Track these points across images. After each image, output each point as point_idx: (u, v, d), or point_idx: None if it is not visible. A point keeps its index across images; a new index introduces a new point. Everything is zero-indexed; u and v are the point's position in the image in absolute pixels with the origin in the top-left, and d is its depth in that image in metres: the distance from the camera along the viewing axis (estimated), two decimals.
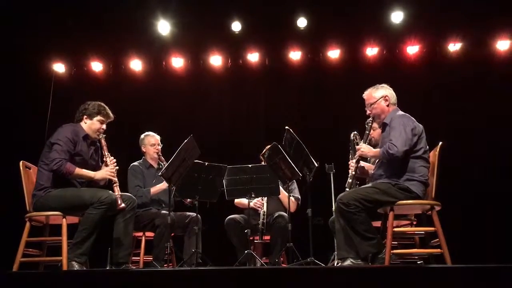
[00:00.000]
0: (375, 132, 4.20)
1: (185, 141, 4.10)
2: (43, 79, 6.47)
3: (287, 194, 4.63)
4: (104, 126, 4.03)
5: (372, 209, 3.56)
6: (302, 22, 6.22)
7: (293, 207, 4.86)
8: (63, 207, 3.68)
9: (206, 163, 4.45)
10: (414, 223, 4.08)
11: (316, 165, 4.21)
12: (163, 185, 4.63)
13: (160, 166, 4.76)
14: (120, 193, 3.79)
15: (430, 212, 3.59)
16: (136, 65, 6.64)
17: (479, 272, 2.59)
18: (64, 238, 3.66)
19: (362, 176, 4.10)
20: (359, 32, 6.30)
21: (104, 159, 3.98)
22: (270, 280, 2.64)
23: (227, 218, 4.87)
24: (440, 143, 3.70)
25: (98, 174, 3.87)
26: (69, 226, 3.77)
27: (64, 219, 3.69)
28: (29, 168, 3.94)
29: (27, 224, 3.76)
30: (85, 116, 4.01)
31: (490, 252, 5.60)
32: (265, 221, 4.76)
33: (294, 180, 4.68)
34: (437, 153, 3.66)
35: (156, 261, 4.39)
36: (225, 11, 6.25)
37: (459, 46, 6.16)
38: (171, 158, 4.10)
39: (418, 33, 6.19)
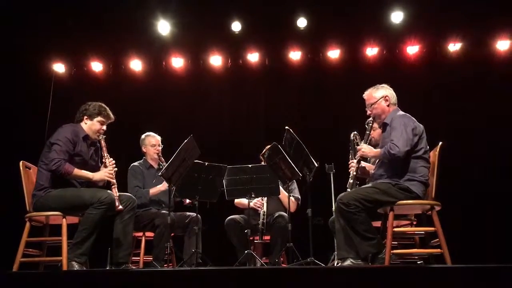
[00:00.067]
0: (375, 132, 4.20)
1: (185, 141, 4.10)
2: (43, 79, 6.47)
3: (287, 194, 4.63)
4: (104, 127, 4.03)
5: (372, 209, 3.56)
6: (302, 22, 6.22)
7: (293, 207, 4.86)
8: (63, 207, 3.68)
9: (206, 163, 4.45)
10: (414, 223, 4.08)
11: (316, 165, 4.20)
12: (163, 186, 4.63)
13: (161, 167, 4.76)
14: (117, 195, 3.78)
15: (430, 212, 3.59)
16: (136, 65, 6.64)
17: (479, 272, 2.59)
18: (64, 238, 3.66)
19: (363, 176, 4.09)
20: (359, 32, 6.30)
21: (103, 160, 3.98)
22: (270, 280, 2.64)
23: (227, 219, 4.87)
24: (440, 143, 3.70)
25: (96, 175, 3.87)
26: (69, 226, 3.77)
27: (64, 219, 3.69)
28: (29, 168, 3.94)
29: (27, 224, 3.76)
30: (85, 117, 4.00)
31: (490, 252, 5.59)
32: (265, 221, 4.75)
33: (294, 180, 4.68)
34: (437, 153, 3.66)
35: (156, 261, 4.39)
36: (225, 11, 6.25)
37: (459, 46, 6.16)
38: (171, 158, 4.10)
39: (418, 33, 6.19)
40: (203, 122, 6.47)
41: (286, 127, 4.30)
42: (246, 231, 4.55)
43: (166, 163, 4.26)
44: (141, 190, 4.68)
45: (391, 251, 3.46)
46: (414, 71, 6.24)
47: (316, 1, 6.20)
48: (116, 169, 3.94)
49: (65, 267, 3.54)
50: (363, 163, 4.00)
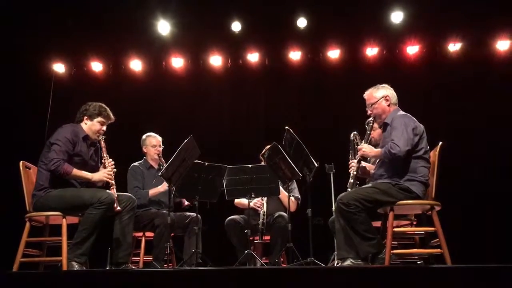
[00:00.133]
0: (375, 132, 4.20)
1: (185, 141, 4.10)
2: (43, 79, 6.47)
3: (287, 194, 4.63)
4: (104, 128, 4.02)
5: (372, 209, 3.56)
6: (302, 22, 6.22)
7: (293, 207, 4.86)
8: (63, 207, 3.68)
9: (206, 163, 4.45)
10: (414, 223, 4.08)
11: (316, 165, 4.20)
12: (162, 187, 4.63)
13: (161, 167, 4.76)
14: (116, 195, 3.77)
15: (430, 212, 3.59)
16: (136, 65, 6.64)
17: (479, 272, 2.59)
18: (64, 238, 3.66)
19: (363, 176, 4.09)
20: (359, 32, 6.29)
21: (103, 160, 3.97)
22: (270, 280, 2.64)
23: (227, 219, 4.87)
24: (440, 143, 3.70)
25: (95, 176, 3.86)
26: (69, 226, 3.77)
27: (64, 219, 3.69)
28: (29, 168, 3.94)
29: (27, 224, 3.76)
30: (85, 117, 4.00)
31: (490, 252, 5.59)
32: (265, 221, 4.75)
33: (294, 180, 4.68)
34: (437, 153, 3.66)
35: (156, 261, 4.39)
36: (225, 11, 6.24)
37: (459, 46, 6.15)
38: (171, 158, 4.10)
39: (418, 33, 6.19)
40: (203, 122, 6.46)
41: (286, 127, 4.30)
42: (246, 231, 4.55)
43: (166, 163, 4.26)
44: (140, 191, 4.68)
45: (391, 251, 3.46)
46: (414, 71, 6.24)
47: (316, 1, 6.20)
48: (115, 169, 3.94)
49: (65, 267, 3.54)
50: (363, 163, 4.00)
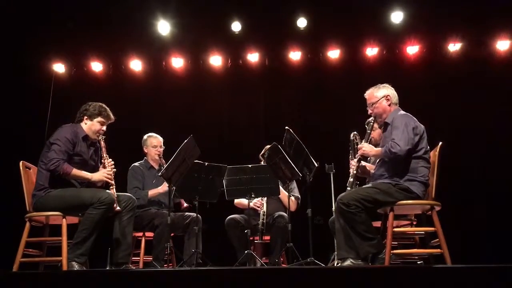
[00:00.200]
0: (375, 132, 4.19)
1: (185, 141, 4.10)
2: (43, 79, 6.47)
3: (287, 193, 4.63)
4: (104, 128, 4.02)
5: (372, 209, 3.56)
6: (302, 22, 6.22)
7: (293, 206, 4.86)
8: (63, 207, 3.68)
9: (206, 163, 4.45)
10: (414, 223, 4.08)
11: (316, 165, 4.20)
12: (162, 188, 4.62)
13: (161, 168, 4.76)
14: (116, 195, 3.77)
15: (430, 212, 3.59)
16: (136, 65, 6.64)
17: (479, 272, 2.59)
18: (64, 238, 3.65)
19: (363, 176, 4.09)
20: (359, 32, 6.29)
21: (103, 160, 3.97)
22: (270, 280, 2.64)
23: (227, 219, 4.87)
24: (440, 143, 3.70)
25: (95, 176, 3.86)
26: (69, 226, 3.77)
27: (64, 219, 3.69)
28: (29, 168, 3.93)
29: (27, 224, 3.76)
30: (85, 117, 4.00)
31: (490, 252, 5.59)
32: (265, 221, 4.75)
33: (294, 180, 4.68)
34: (437, 153, 3.66)
35: (156, 261, 4.39)
36: (225, 11, 6.24)
37: (459, 46, 6.16)
38: (171, 158, 4.10)
39: (418, 33, 6.19)
40: (203, 122, 6.46)
41: (286, 127, 4.30)
42: (246, 231, 4.55)
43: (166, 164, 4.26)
44: (140, 191, 4.67)
45: (391, 251, 3.46)
46: (414, 71, 6.24)
47: (316, 1, 6.20)
48: (115, 170, 3.93)
49: (65, 267, 3.54)
50: (363, 163, 4.00)
